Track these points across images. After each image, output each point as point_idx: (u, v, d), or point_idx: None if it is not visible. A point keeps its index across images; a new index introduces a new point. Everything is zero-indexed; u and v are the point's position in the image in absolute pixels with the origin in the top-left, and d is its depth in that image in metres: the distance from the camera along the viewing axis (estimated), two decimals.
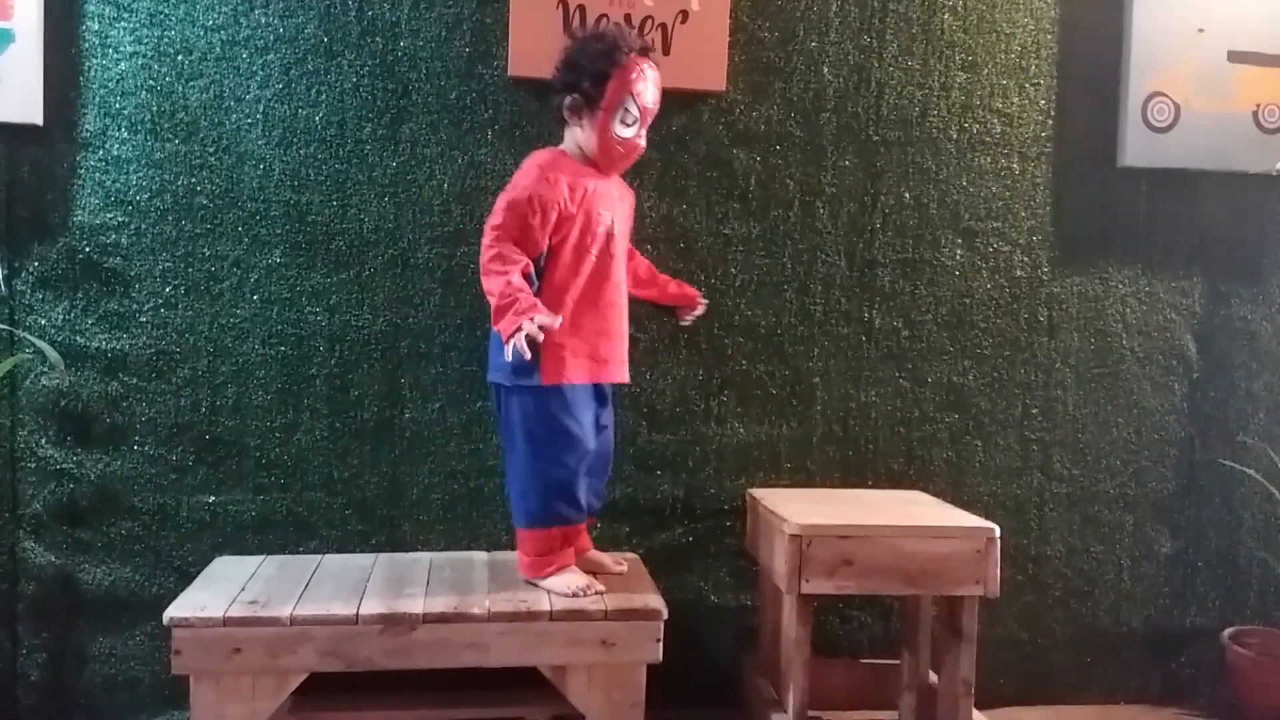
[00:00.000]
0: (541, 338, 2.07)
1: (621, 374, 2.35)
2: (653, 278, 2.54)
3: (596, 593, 2.25)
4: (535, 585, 2.28)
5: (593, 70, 2.22)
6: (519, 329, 2.04)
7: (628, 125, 2.25)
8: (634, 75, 2.22)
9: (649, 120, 2.30)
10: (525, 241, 2.18)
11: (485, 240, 2.19)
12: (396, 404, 2.57)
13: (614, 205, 2.32)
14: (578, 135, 2.29)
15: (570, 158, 2.29)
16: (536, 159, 2.28)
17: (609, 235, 2.28)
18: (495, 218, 2.19)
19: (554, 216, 2.19)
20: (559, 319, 2.13)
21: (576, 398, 2.25)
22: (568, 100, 2.25)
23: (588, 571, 2.34)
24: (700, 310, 2.57)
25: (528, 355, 2.05)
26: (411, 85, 2.54)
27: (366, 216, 2.54)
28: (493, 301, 2.13)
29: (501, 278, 2.12)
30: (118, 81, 2.45)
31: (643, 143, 2.31)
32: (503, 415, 2.31)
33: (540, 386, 2.21)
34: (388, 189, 2.54)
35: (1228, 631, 2.83)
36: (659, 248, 2.63)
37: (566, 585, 2.25)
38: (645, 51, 2.27)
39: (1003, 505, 2.78)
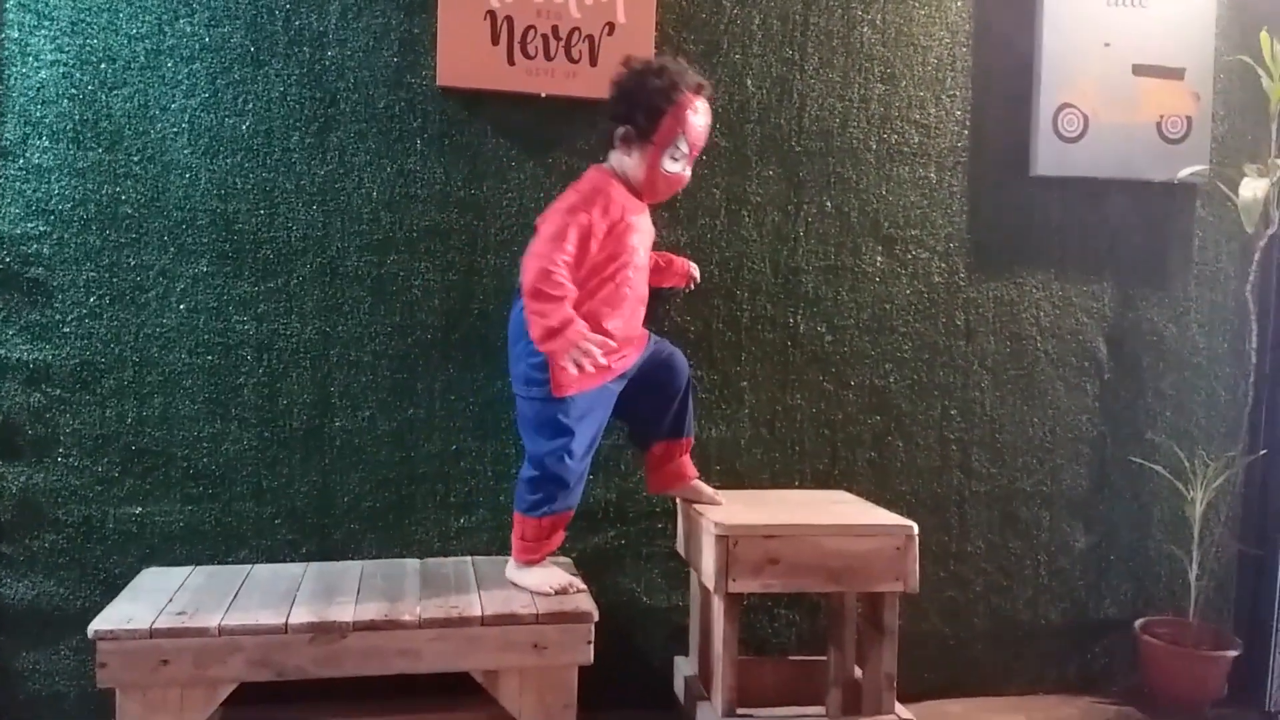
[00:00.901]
0: (591, 369, 2.19)
1: (633, 358, 2.41)
2: (669, 263, 2.61)
3: (578, 590, 2.32)
4: (516, 586, 2.36)
5: (649, 105, 2.27)
6: (573, 353, 2.16)
7: (676, 160, 2.32)
8: (688, 113, 2.28)
9: (696, 155, 2.37)
10: (575, 265, 2.24)
11: (546, 258, 2.19)
12: (326, 412, 2.58)
13: (645, 237, 2.39)
14: (625, 163, 2.34)
15: (618, 183, 2.34)
16: (595, 183, 2.32)
17: (635, 265, 2.33)
18: (560, 239, 2.21)
19: (594, 245, 2.26)
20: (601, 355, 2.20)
21: (582, 400, 2.31)
22: (621, 130, 2.31)
23: (689, 500, 2.49)
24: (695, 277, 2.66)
25: (575, 372, 2.19)
26: (339, 94, 2.55)
27: (294, 225, 2.54)
28: (545, 322, 2.17)
29: (560, 305, 2.17)
30: (38, 90, 2.42)
31: (688, 175, 2.37)
32: (518, 412, 2.39)
33: (549, 396, 2.28)
34: (316, 197, 2.55)
35: (1139, 622, 2.95)
36: None
37: (548, 584, 2.32)
38: (700, 89, 2.32)
39: (924, 503, 2.87)
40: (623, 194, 2.32)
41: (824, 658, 2.63)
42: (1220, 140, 2.98)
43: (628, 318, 2.35)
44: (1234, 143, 2.99)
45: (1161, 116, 2.92)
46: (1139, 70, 2.90)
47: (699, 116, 2.30)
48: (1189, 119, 2.93)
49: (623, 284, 2.31)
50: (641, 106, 2.27)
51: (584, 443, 2.33)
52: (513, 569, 2.40)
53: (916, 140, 2.84)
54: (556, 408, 2.29)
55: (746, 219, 2.75)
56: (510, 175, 2.63)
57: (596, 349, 2.17)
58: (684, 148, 2.31)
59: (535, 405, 2.31)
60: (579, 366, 2.17)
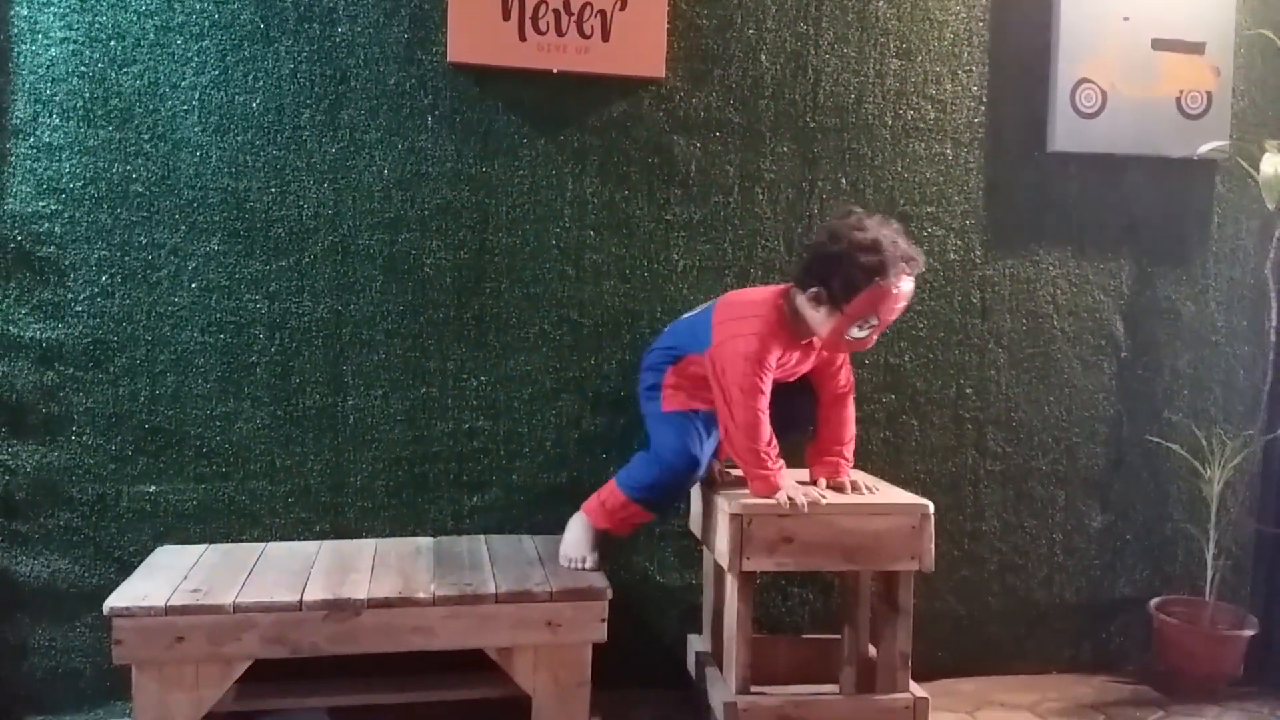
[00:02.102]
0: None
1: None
2: (833, 410, 2.48)
3: (590, 568, 2.37)
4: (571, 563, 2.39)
5: (849, 279, 2.15)
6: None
7: (863, 330, 2.22)
8: (890, 294, 2.16)
9: (885, 328, 2.28)
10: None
11: (743, 404, 2.24)
12: (339, 391, 2.57)
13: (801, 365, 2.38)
14: (810, 314, 2.24)
15: (787, 328, 2.28)
16: (770, 325, 2.26)
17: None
18: (745, 383, 2.23)
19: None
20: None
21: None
22: (813, 290, 2.21)
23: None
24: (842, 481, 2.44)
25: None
26: (350, 71, 2.53)
27: (306, 203, 2.53)
28: (761, 475, 2.26)
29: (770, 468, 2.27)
30: (48, 68, 2.41)
31: (873, 341, 2.28)
32: (650, 411, 2.45)
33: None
34: (327, 175, 2.53)
35: (1154, 601, 2.93)
36: (602, 234, 2.66)
37: (577, 546, 2.39)
38: (909, 265, 2.17)
39: (938, 482, 2.85)
40: (786, 336, 2.28)
41: (838, 636, 2.64)
42: (1240, 115, 2.94)
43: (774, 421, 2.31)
44: (1254, 118, 2.95)
45: (1181, 91, 2.88)
46: (1158, 44, 2.86)
47: (898, 296, 2.17)
48: (1209, 94, 2.89)
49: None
50: (842, 277, 2.16)
51: (707, 458, 2.37)
52: (575, 520, 2.44)
53: (932, 116, 2.80)
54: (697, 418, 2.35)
55: (760, 196, 2.73)
56: (522, 153, 2.61)
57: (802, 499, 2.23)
58: (874, 321, 2.21)
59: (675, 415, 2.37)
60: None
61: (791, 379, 2.41)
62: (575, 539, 2.41)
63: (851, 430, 2.48)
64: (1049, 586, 2.96)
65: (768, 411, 2.26)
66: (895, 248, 2.16)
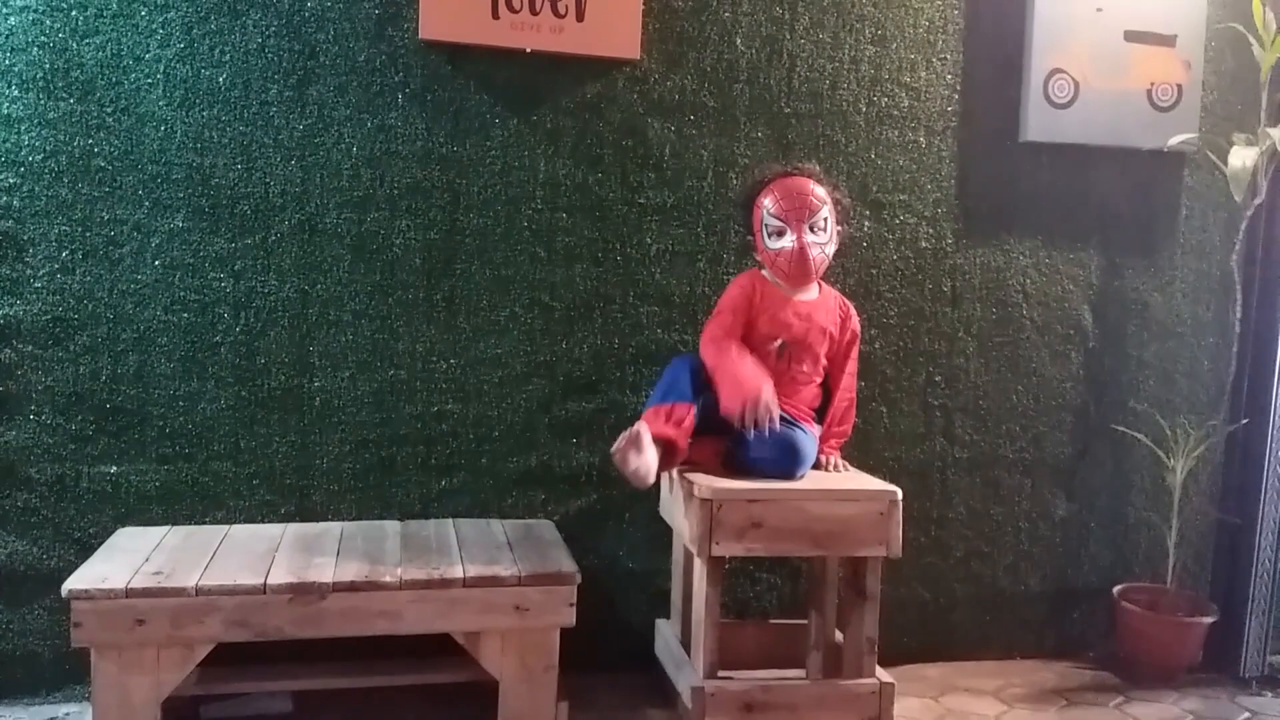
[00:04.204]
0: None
1: None
2: (836, 407, 2.56)
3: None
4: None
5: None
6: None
7: (775, 236, 2.41)
8: (763, 195, 2.43)
9: (802, 218, 2.39)
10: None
11: (710, 323, 2.45)
12: (305, 372, 2.54)
13: (783, 329, 2.43)
14: (760, 258, 2.49)
15: (762, 283, 2.46)
16: (739, 279, 2.50)
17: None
18: (717, 308, 2.47)
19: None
20: None
21: None
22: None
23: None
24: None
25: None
26: (319, 46, 2.48)
27: (272, 180, 2.49)
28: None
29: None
30: (7, 36, 2.34)
31: (801, 245, 2.38)
32: None
33: None
34: (294, 152, 2.49)
35: (1117, 588, 2.96)
36: (574, 217, 2.64)
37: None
38: (783, 173, 2.45)
39: (907, 469, 2.86)
40: (764, 292, 2.44)
41: (804, 621, 2.64)
42: (1210, 109, 2.96)
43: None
44: (1223, 111, 2.98)
45: (1152, 84, 2.90)
46: (1130, 36, 2.88)
47: (776, 190, 2.41)
48: (1179, 86, 2.91)
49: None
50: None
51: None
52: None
53: (906, 104, 2.80)
54: None
55: (734, 181, 2.71)
56: (494, 132, 2.58)
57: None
58: (774, 222, 2.41)
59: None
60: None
61: (795, 339, 2.44)
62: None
63: (845, 426, 2.57)
64: (1014, 573, 2.98)
65: (730, 339, 2.38)
66: (768, 167, 2.54)
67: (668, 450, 2.27)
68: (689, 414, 2.30)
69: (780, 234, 2.40)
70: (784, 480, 2.33)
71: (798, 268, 2.40)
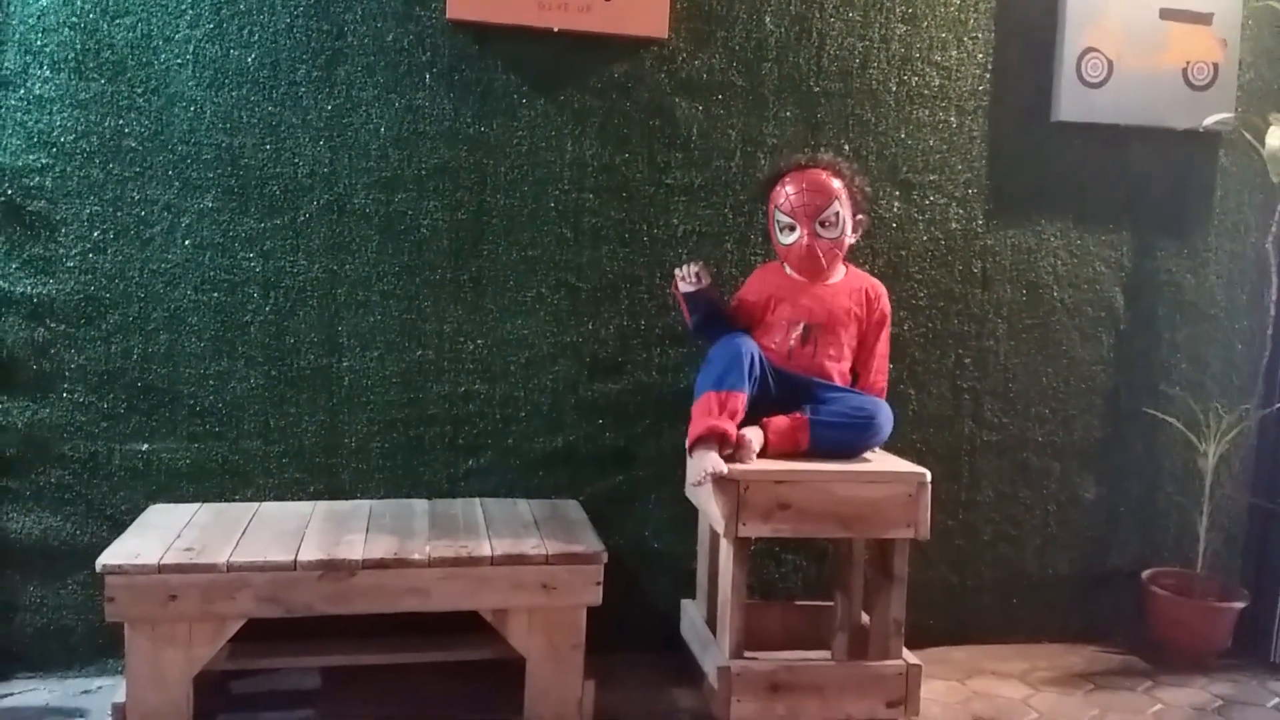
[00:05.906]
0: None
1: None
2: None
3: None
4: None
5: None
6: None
7: (787, 231, 2.44)
8: (775, 191, 2.46)
9: (811, 214, 2.40)
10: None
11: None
12: (334, 352, 2.55)
13: (804, 314, 2.44)
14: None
15: (777, 270, 2.53)
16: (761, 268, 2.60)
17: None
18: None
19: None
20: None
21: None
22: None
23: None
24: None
25: None
26: (347, 27, 2.48)
27: (301, 160, 2.49)
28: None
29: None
30: (39, 17, 2.36)
31: (811, 240, 2.40)
32: None
33: None
34: (323, 132, 2.50)
35: (1146, 573, 2.94)
36: (601, 197, 2.63)
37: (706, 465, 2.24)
38: (801, 164, 2.47)
39: (935, 452, 2.85)
40: (778, 275, 2.50)
41: (830, 603, 2.64)
42: (1246, 88, 2.91)
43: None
44: (1260, 90, 2.93)
45: (1188, 63, 2.85)
46: (1166, 14, 2.83)
47: (786, 185, 2.43)
48: (1215, 65, 2.86)
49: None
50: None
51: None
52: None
53: (937, 83, 2.77)
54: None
55: (763, 161, 2.69)
56: (521, 113, 2.58)
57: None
58: (784, 218, 2.43)
59: None
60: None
61: (817, 323, 2.44)
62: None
63: None
64: (1042, 557, 2.96)
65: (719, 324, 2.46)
66: (788, 158, 2.54)
67: (722, 442, 2.28)
68: (742, 404, 2.30)
69: (791, 230, 2.43)
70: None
71: (807, 264, 2.44)
